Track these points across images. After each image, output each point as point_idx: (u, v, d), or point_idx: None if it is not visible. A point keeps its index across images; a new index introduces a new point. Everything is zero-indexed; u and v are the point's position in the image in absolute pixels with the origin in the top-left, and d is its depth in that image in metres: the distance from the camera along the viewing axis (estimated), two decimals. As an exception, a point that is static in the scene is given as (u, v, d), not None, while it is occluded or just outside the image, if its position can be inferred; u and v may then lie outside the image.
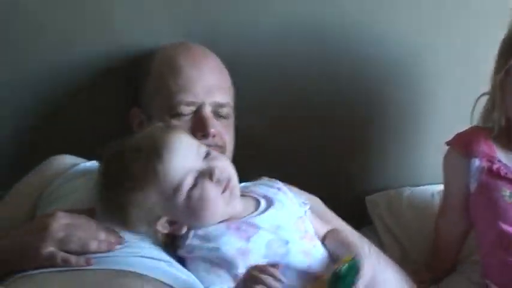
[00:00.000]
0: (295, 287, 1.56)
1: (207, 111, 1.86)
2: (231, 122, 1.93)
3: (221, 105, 1.89)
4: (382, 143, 2.15)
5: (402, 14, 2.09)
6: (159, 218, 1.57)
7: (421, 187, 2.15)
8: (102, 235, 1.55)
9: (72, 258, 1.50)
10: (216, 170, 1.57)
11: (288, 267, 1.55)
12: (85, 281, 1.47)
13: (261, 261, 1.54)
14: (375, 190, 2.16)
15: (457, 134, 1.89)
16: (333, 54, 2.07)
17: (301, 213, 1.66)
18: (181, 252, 1.58)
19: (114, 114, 2.02)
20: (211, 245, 1.56)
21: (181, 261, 1.59)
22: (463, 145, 1.86)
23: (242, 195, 1.64)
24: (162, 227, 1.58)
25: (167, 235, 1.59)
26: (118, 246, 1.54)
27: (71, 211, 1.58)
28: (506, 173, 1.82)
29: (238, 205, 1.60)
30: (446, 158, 1.90)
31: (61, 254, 1.51)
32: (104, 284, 1.46)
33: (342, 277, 1.50)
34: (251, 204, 1.65)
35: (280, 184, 1.72)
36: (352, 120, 2.12)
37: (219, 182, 1.57)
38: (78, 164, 1.82)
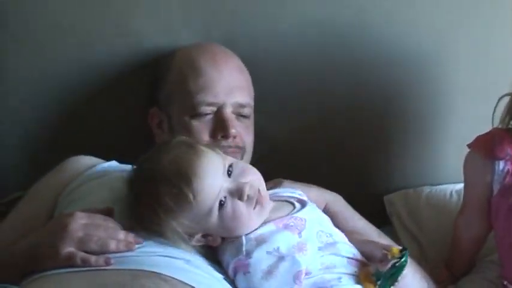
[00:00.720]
0: (346, 273, 1.59)
1: (228, 111, 1.86)
2: (251, 122, 1.93)
3: (242, 106, 1.89)
4: (400, 142, 2.14)
5: (421, 13, 2.08)
6: (194, 235, 1.57)
7: (440, 186, 2.14)
8: (121, 235, 1.54)
9: (92, 258, 1.50)
10: (245, 188, 1.55)
11: (338, 255, 1.59)
12: (105, 281, 1.47)
13: (317, 253, 1.57)
14: (393, 189, 2.15)
15: (478, 137, 1.86)
16: (351, 54, 2.07)
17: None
18: (239, 259, 1.56)
19: (133, 114, 2.03)
20: (270, 245, 1.55)
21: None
22: (485, 148, 1.83)
23: (274, 201, 1.65)
24: (197, 241, 1.58)
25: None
26: (137, 246, 1.54)
27: (89, 211, 1.59)
28: None
29: (269, 209, 1.61)
30: (468, 160, 1.87)
31: (80, 254, 1.51)
32: (124, 284, 1.46)
33: (401, 267, 1.57)
34: (286, 206, 1.66)
35: (299, 189, 1.74)
36: (371, 119, 2.12)
37: (249, 199, 1.56)
38: (96, 164, 1.82)
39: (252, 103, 1.94)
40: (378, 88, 2.09)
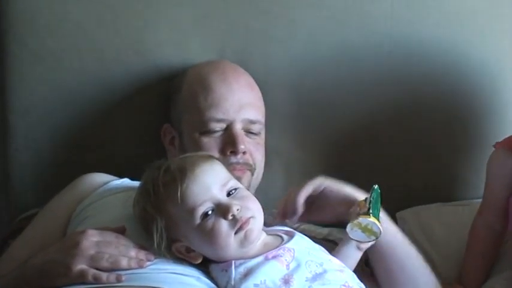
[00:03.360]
0: None
1: (237, 128, 1.87)
2: (262, 139, 1.94)
3: (252, 122, 1.90)
4: (413, 159, 2.15)
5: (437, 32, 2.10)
6: (175, 241, 1.55)
7: (452, 203, 2.15)
8: (133, 252, 1.55)
9: (103, 276, 1.51)
10: (234, 207, 1.50)
11: (328, 284, 1.54)
12: None
13: (304, 284, 1.52)
14: (405, 206, 2.14)
15: (506, 137, 1.90)
16: (362, 74, 2.09)
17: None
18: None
19: (147, 132, 2.05)
20: (258, 278, 1.51)
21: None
22: (510, 144, 1.87)
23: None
24: (178, 251, 1.56)
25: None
26: (148, 263, 1.54)
27: (101, 229, 1.59)
28: None
29: (255, 248, 1.55)
30: (493, 157, 1.91)
31: (92, 271, 1.51)
32: None
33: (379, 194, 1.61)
34: (276, 239, 1.62)
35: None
36: (383, 137, 2.13)
37: (234, 220, 1.51)
38: (110, 181, 1.83)
39: (262, 120, 1.94)
40: (388, 107, 2.11)
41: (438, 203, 2.15)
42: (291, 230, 1.67)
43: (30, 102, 2.06)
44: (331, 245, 1.97)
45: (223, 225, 1.51)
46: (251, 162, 1.88)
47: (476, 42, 2.09)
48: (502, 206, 1.89)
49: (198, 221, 1.52)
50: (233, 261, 1.54)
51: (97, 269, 1.53)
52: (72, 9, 2.03)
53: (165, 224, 1.54)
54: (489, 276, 1.97)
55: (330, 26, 2.07)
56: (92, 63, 2.05)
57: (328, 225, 2.11)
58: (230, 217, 1.51)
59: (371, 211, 1.59)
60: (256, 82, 1.99)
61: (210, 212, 1.52)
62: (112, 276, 1.52)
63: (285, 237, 1.63)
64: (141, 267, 1.54)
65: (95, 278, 1.51)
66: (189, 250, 1.57)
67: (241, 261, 1.54)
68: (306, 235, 1.75)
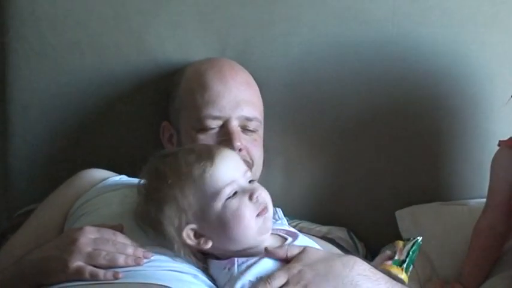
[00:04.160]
0: None
1: (234, 125, 1.87)
2: (259, 136, 1.94)
3: (248, 119, 1.90)
4: (413, 158, 2.14)
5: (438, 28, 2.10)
6: (187, 223, 1.55)
7: (451, 202, 2.14)
8: (130, 250, 1.55)
9: (100, 272, 1.51)
10: (258, 190, 1.55)
11: None
12: None
13: None
14: (405, 205, 2.14)
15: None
16: (363, 71, 2.08)
17: None
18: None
19: (147, 129, 2.05)
20: (254, 274, 1.53)
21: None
22: None
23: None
24: (188, 235, 1.56)
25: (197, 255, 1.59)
26: (145, 261, 1.55)
27: (98, 226, 1.60)
28: None
29: (268, 240, 1.58)
30: (497, 156, 1.91)
31: (89, 268, 1.52)
32: None
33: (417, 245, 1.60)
34: (278, 239, 1.64)
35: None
36: (383, 136, 2.12)
37: (257, 203, 1.55)
38: (108, 178, 1.83)
39: (260, 117, 1.94)
40: (389, 105, 2.10)
41: (437, 202, 2.15)
42: (293, 230, 1.68)
43: (30, 97, 2.07)
44: (331, 243, 1.99)
45: (248, 206, 1.54)
46: (248, 159, 1.88)
47: (477, 42, 2.08)
48: (506, 206, 1.88)
49: (222, 201, 1.54)
50: (236, 259, 1.55)
51: (94, 266, 1.53)
52: (73, 5, 2.04)
53: (177, 205, 1.54)
54: (490, 276, 1.97)
55: (331, 24, 2.07)
56: (92, 59, 2.05)
57: (327, 223, 2.12)
58: (255, 199, 1.54)
59: (405, 265, 1.60)
60: (256, 80, 1.99)
61: (234, 193, 1.54)
62: (109, 273, 1.52)
63: (289, 238, 1.64)
64: (138, 264, 1.54)
65: (92, 275, 1.52)
66: (198, 236, 1.56)
67: (244, 259, 1.55)
68: (304, 233, 1.76)
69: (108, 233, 1.58)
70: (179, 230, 1.55)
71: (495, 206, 1.91)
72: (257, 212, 1.55)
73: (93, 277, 1.51)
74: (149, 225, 1.58)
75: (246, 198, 1.54)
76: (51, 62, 2.05)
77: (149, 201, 1.57)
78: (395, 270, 1.59)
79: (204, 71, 1.94)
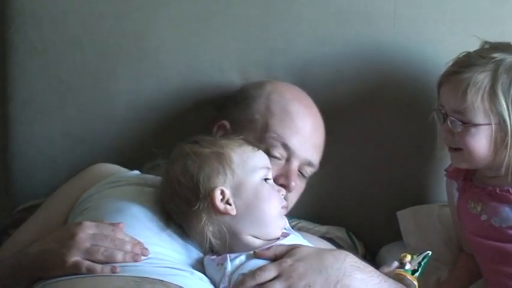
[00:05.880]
0: None
1: (295, 164, 1.86)
2: (304, 185, 1.93)
3: (310, 165, 1.90)
4: (414, 159, 2.14)
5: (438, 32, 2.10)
6: (223, 185, 1.60)
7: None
8: (128, 246, 1.56)
9: (98, 267, 1.52)
10: (283, 191, 1.71)
11: None
12: (108, 286, 1.49)
13: None
14: (406, 205, 2.14)
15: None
16: (362, 71, 2.08)
17: None
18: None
19: (147, 126, 2.07)
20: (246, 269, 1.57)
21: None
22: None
23: None
24: (219, 196, 1.59)
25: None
26: (143, 258, 1.56)
27: (98, 221, 1.60)
28: None
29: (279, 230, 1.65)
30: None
31: (86, 263, 1.52)
32: None
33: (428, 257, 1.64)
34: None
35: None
36: (384, 136, 2.12)
37: (282, 199, 1.66)
38: (116, 172, 1.84)
39: (317, 166, 1.93)
40: (392, 106, 2.10)
41: (438, 203, 2.15)
42: (286, 231, 1.69)
43: (31, 94, 2.07)
44: (330, 243, 1.99)
45: (277, 195, 1.65)
46: (286, 204, 1.81)
47: (478, 43, 2.08)
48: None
49: (261, 177, 1.63)
50: (228, 255, 1.58)
51: (92, 261, 1.53)
52: (73, 2, 2.05)
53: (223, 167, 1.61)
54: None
55: (333, 24, 2.07)
56: (92, 55, 2.06)
57: (326, 223, 2.12)
58: (281, 196, 1.66)
59: (417, 274, 1.63)
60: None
61: (269, 178, 1.65)
62: (107, 268, 1.52)
63: (280, 238, 1.65)
64: (136, 261, 1.55)
65: (89, 269, 1.52)
66: (226, 201, 1.61)
67: (236, 254, 1.58)
68: (303, 232, 1.77)
69: (107, 229, 1.58)
70: (213, 188, 1.59)
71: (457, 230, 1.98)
72: (282, 204, 1.65)
73: (90, 272, 1.52)
74: (172, 196, 1.62)
75: (276, 190, 1.65)
76: (51, 59, 2.05)
77: (188, 162, 1.61)
78: (410, 277, 1.62)
79: (289, 100, 1.92)
